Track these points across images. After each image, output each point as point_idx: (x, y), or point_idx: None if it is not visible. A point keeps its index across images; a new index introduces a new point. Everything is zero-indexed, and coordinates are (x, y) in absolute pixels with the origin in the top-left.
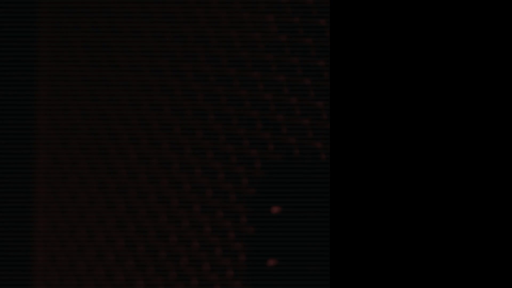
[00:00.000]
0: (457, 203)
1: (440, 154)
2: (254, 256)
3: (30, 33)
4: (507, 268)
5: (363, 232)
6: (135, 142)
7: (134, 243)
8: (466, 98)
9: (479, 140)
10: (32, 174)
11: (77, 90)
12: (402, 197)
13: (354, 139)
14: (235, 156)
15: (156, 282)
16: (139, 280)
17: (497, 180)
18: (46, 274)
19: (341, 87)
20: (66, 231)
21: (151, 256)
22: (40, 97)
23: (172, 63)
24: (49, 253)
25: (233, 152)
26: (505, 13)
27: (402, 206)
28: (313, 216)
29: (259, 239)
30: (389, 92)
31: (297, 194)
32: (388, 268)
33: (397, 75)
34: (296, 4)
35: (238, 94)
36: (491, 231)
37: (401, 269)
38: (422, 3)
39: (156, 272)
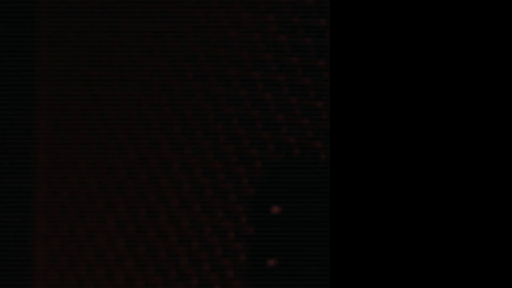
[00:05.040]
0: (457, 203)
1: (440, 153)
2: (254, 256)
3: (30, 33)
4: (507, 268)
5: (363, 232)
6: (135, 142)
7: (134, 243)
8: (466, 98)
9: (479, 140)
10: (32, 174)
11: (77, 90)
12: (402, 197)
13: (354, 139)
14: (235, 156)
15: (156, 282)
16: (139, 280)
17: (497, 180)
18: (46, 274)
19: (341, 87)
20: (66, 231)
21: (151, 256)
22: (40, 97)
23: (172, 63)
24: (49, 253)
25: (233, 152)
26: (505, 13)
27: (402, 206)
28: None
29: (259, 239)
30: (389, 92)
31: (297, 194)
32: (388, 268)
33: (397, 75)
34: (296, 4)
35: (238, 94)
36: (491, 231)
37: (401, 269)
38: (422, 3)
39: (156, 272)
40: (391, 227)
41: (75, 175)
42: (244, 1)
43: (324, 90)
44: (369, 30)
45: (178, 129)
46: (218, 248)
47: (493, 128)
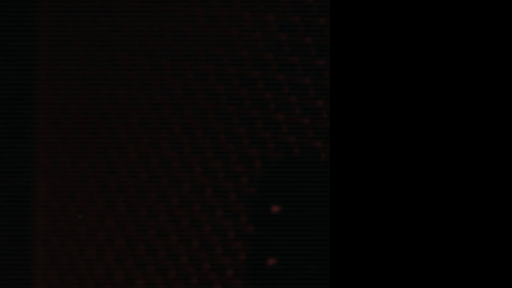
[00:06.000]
0: (457, 203)
1: (440, 153)
2: (254, 256)
3: (30, 33)
4: (507, 268)
5: (363, 232)
6: (135, 142)
7: (134, 242)
8: (466, 98)
9: (479, 140)
10: (32, 174)
11: (77, 90)
12: (402, 196)
13: (354, 139)
14: (235, 155)
15: (156, 281)
16: (139, 279)
17: (497, 180)
18: (46, 274)
19: (341, 86)
20: (66, 231)
21: (151, 255)
22: (40, 97)
23: (172, 63)
24: (49, 253)
25: (233, 151)
26: (505, 13)
27: (402, 206)
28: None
29: (259, 238)
30: (388, 91)
31: (297, 194)
32: (388, 268)
33: (397, 74)
34: (296, 3)
35: (238, 93)
36: (491, 231)
37: (401, 269)
38: (422, 3)
39: (156, 271)
40: (391, 227)
41: (75, 175)
42: (244, 0)
43: (324, 89)
44: (369, 30)
45: (178, 128)
46: (218, 247)
47: (493, 128)
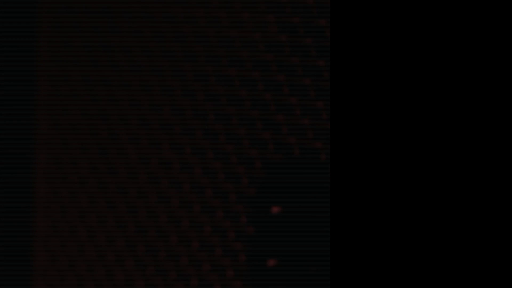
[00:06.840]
0: (457, 203)
1: (440, 153)
2: (254, 256)
3: (30, 33)
4: (507, 268)
5: (363, 232)
6: (135, 142)
7: (134, 243)
8: (466, 98)
9: (479, 140)
10: (32, 174)
11: (77, 90)
12: (402, 197)
13: (354, 139)
14: (235, 156)
15: (156, 282)
16: (139, 280)
17: (497, 180)
18: (46, 274)
19: (341, 87)
20: (66, 231)
21: (151, 256)
22: (40, 97)
23: (172, 63)
24: (49, 253)
25: (233, 152)
26: (505, 13)
27: (402, 206)
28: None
29: (259, 239)
30: (389, 92)
31: (297, 194)
32: (388, 268)
33: (397, 75)
34: (296, 4)
35: (238, 94)
36: (491, 231)
37: (401, 269)
38: (422, 3)
39: (156, 272)
40: (391, 227)
41: (75, 175)
42: (244, 1)
43: (324, 90)
44: (369, 30)
45: (178, 129)
46: (218, 248)
47: (493, 128)
